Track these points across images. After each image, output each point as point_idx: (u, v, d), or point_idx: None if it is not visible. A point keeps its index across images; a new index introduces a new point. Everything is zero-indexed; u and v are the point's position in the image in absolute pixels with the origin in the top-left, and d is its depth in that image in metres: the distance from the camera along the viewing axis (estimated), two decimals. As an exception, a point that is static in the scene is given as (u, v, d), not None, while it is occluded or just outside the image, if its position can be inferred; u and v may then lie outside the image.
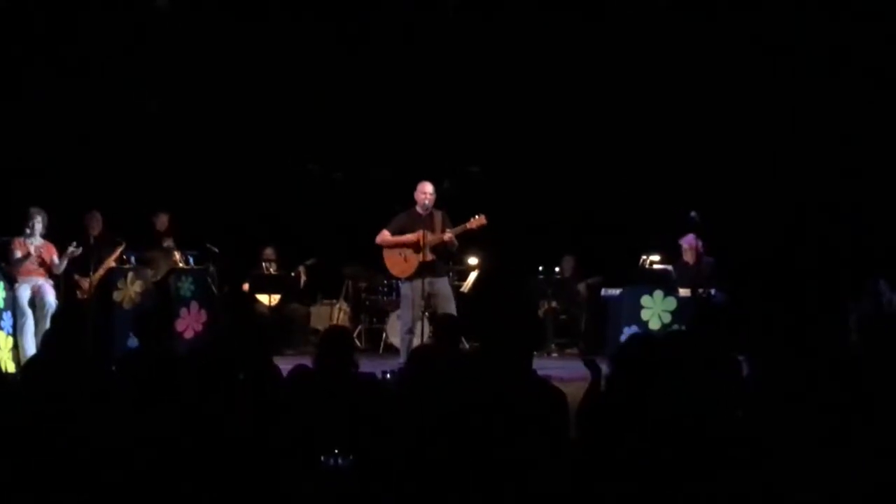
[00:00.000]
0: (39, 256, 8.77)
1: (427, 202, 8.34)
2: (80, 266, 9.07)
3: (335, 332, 5.00)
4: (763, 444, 3.69)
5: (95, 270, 9.10)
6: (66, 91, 10.78)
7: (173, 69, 11.17)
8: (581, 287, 11.74)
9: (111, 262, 9.23)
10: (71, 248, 8.77)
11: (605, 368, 4.18)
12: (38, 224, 8.81)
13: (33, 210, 8.83)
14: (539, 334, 4.06)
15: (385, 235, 8.48)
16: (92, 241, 9.22)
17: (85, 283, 9.13)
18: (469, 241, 8.63)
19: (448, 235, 8.27)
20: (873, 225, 10.67)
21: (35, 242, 8.81)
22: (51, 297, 8.65)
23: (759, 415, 3.96)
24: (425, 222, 8.32)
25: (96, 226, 9.29)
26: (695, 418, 3.68)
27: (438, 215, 8.43)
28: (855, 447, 3.63)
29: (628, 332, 8.55)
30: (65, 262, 8.82)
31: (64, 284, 8.98)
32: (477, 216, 8.31)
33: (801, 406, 3.85)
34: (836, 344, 4.52)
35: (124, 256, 9.33)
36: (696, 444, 3.56)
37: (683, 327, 8.36)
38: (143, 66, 11.03)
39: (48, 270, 8.84)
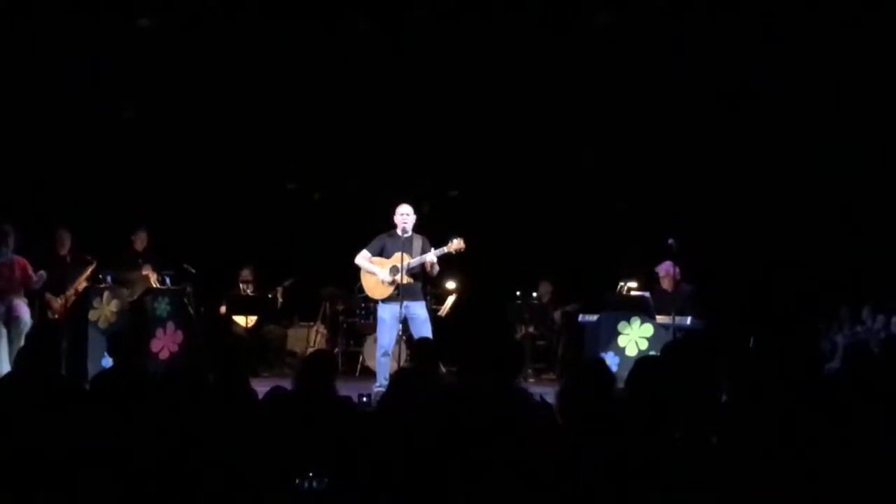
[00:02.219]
0: (15, 272, 8.67)
1: (405, 224, 8.33)
2: (51, 285, 9.01)
3: (320, 357, 4.98)
4: (738, 470, 3.70)
5: (67, 289, 9.06)
6: (43, 106, 10.74)
7: (153, 85, 11.15)
8: (556, 315, 11.77)
9: (82, 281, 9.19)
10: (40, 273, 8.72)
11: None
12: (11, 242, 8.71)
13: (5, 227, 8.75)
14: (518, 360, 4.04)
15: (364, 256, 8.47)
16: (69, 259, 9.18)
17: (56, 303, 9.07)
18: (447, 266, 8.63)
19: (430, 258, 8.26)
20: (853, 252, 10.77)
21: (6, 260, 8.70)
22: (26, 315, 8.58)
23: (734, 441, 3.96)
24: (404, 245, 8.30)
25: (64, 244, 9.25)
26: (669, 443, 3.68)
27: (419, 239, 8.41)
28: (833, 475, 3.64)
29: (605, 357, 8.55)
30: (40, 283, 8.77)
31: (38, 303, 8.93)
32: (455, 240, 8.31)
33: (777, 433, 3.85)
34: (814, 371, 4.54)
35: (100, 275, 9.28)
36: (670, 469, 3.55)
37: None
38: (122, 79, 11.00)
39: (23, 287, 8.74)
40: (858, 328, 10.67)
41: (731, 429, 4.04)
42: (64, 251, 9.25)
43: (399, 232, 8.34)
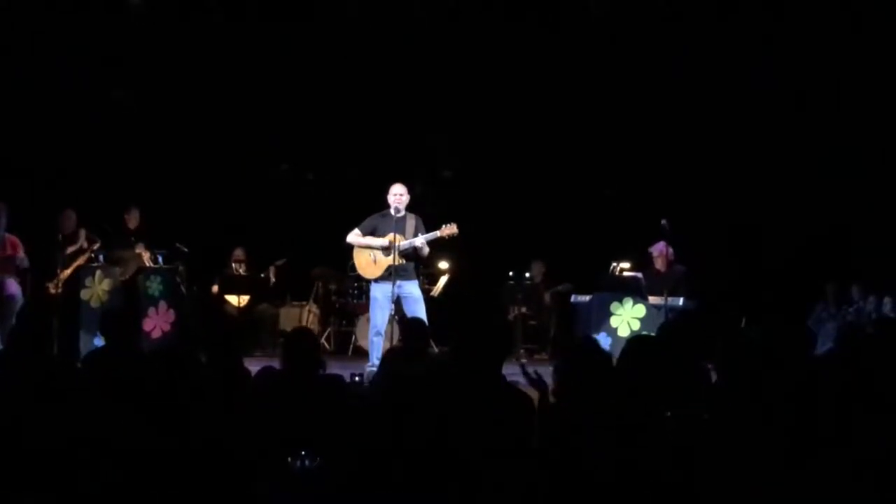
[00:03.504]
0: (6, 251, 8.65)
1: (397, 204, 8.32)
2: (48, 264, 9.01)
3: (298, 333, 4.99)
4: (728, 449, 3.71)
5: (65, 268, 9.05)
6: (37, 87, 10.70)
7: (147, 65, 11.11)
8: (548, 295, 11.77)
9: (81, 261, 9.17)
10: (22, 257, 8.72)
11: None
12: (3, 220, 8.70)
13: None
14: (507, 340, 4.05)
15: (355, 235, 8.46)
16: (61, 237, 9.17)
17: (54, 280, 9.08)
18: (440, 245, 8.63)
19: (420, 241, 8.26)
20: (843, 232, 10.80)
21: None
22: (18, 293, 8.56)
23: (724, 421, 3.98)
24: (397, 225, 8.30)
25: (69, 225, 9.25)
26: (659, 422, 3.69)
27: (412, 220, 8.41)
28: (824, 454, 3.66)
29: (597, 338, 8.55)
30: (22, 265, 8.74)
31: (31, 281, 8.91)
32: (448, 225, 8.30)
33: (766, 414, 3.87)
34: (804, 351, 4.56)
35: (92, 255, 9.27)
36: (659, 447, 3.57)
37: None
38: (117, 61, 10.96)
39: (13, 265, 8.71)
40: (850, 308, 10.69)
41: (722, 408, 4.06)
42: (66, 232, 9.25)
43: (392, 212, 8.33)
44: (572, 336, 9.77)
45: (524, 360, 11.12)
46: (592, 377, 3.82)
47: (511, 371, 4.45)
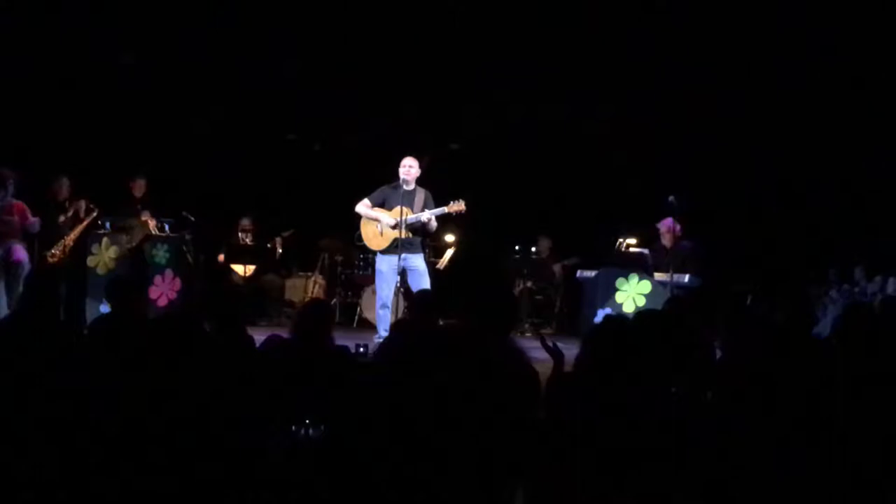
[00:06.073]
0: (14, 216, 8.67)
1: (406, 176, 8.31)
2: (49, 233, 9.03)
3: (317, 305, 4.99)
4: (731, 427, 3.72)
5: (60, 235, 9.07)
6: (42, 52, 10.67)
7: (154, 30, 11.06)
8: (556, 268, 11.78)
9: (81, 229, 9.19)
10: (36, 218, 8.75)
11: (573, 351, 4.17)
12: (10, 186, 8.72)
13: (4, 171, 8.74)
14: (513, 314, 4.08)
15: (364, 205, 8.46)
16: (68, 206, 9.18)
17: (56, 250, 9.10)
18: (446, 219, 8.62)
19: (426, 216, 8.25)
20: (846, 211, 10.78)
21: (5, 204, 8.69)
22: (25, 259, 8.58)
23: (728, 398, 3.98)
24: (406, 198, 8.29)
25: (63, 191, 9.26)
26: (665, 399, 3.70)
27: (422, 194, 8.39)
28: (827, 431, 3.66)
29: (602, 313, 8.56)
30: (36, 227, 8.77)
31: (38, 249, 8.94)
32: (456, 201, 8.28)
33: (769, 391, 3.87)
34: (807, 330, 4.56)
35: (99, 222, 9.30)
36: (662, 424, 3.57)
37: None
38: (119, 23, 10.91)
39: (21, 231, 8.73)
40: (855, 288, 10.66)
41: (725, 385, 4.06)
42: (61, 199, 9.26)
43: (401, 184, 8.32)
44: (576, 312, 9.82)
45: (529, 332, 11.17)
46: (616, 354, 3.81)
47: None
